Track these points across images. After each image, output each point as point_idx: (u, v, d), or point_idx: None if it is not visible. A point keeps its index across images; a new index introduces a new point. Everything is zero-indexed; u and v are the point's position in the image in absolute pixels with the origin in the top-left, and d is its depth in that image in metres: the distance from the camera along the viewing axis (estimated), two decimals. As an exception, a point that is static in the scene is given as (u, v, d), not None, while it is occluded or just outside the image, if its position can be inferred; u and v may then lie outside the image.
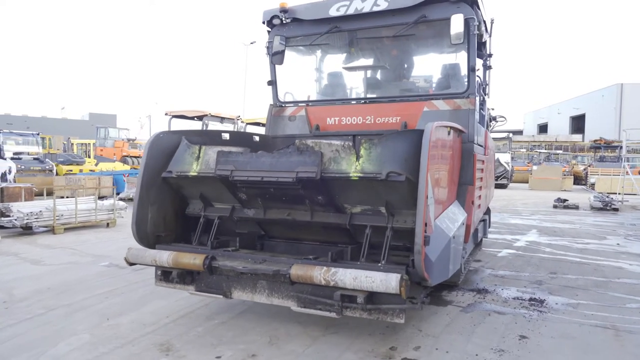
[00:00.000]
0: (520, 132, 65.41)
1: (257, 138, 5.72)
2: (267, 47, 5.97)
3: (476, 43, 5.15)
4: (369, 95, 6.07)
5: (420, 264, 3.05)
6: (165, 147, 4.31)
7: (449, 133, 4.16)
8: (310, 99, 6.22)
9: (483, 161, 5.72)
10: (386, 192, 3.38)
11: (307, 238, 4.20)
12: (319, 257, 3.62)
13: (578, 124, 59.74)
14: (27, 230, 8.94)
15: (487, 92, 6.57)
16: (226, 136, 5.22)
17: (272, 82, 6.14)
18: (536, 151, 43.25)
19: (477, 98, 5.32)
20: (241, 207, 4.15)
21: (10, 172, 18.50)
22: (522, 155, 43.31)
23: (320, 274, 3.19)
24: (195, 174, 4.00)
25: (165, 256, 3.74)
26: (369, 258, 3.51)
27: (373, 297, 3.24)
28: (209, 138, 4.82)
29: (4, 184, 9.91)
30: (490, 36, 6.25)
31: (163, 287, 4.02)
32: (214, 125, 21.34)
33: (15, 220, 8.57)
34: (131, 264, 3.92)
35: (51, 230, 8.88)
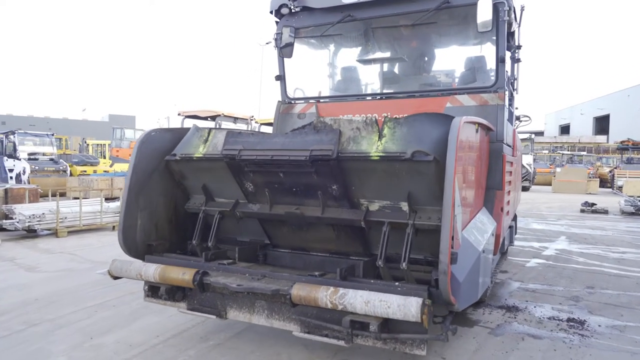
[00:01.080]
0: (541, 133, 63.85)
1: (263, 137, 5.26)
2: (275, 39, 5.50)
3: (506, 31, 4.60)
4: (385, 91, 5.55)
5: (445, 286, 2.54)
6: (158, 147, 3.87)
7: (477, 130, 3.64)
8: (322, 94, 5.74)
9: (512, 163, 5.17)
10: (410, 179, 2.94)
11: (316, 247, 3.72)
12: (326, 274, 3.13)
13: (602, 124, 58.01)
14: (31, 233, 8.66)
15: (515, 88, 6.01)
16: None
17: (281, 77, 5.67)
18: (559, 153, 42.02)
19: (506, 93, 4.77)
20: (246, 202, 3.70)
21: (24, 172, 18.49)
22: (544, 157, 42.11)
23: (326, 295, 2.70)
24: (200, 155, 3.60)
25: (151, 270, 3.29)
26: (384, 267, 3.02)
27: (389, 324, 2.74)
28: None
29: (7, 185, 9.65)
30: (519, 26, 5.68)
31: (152, 303, 3.58)
32: (227, 126, 21.08)
33: (17, 222, 8.28)
34: (115, 278, 3.48)
35: (55, 233, 8.57)
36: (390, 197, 3.13)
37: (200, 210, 3.85)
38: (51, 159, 19.93)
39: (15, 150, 19.30)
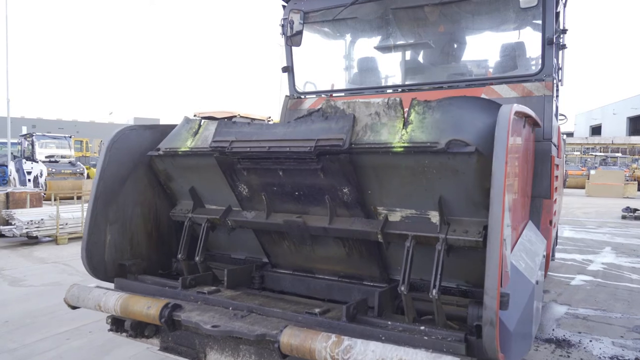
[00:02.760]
0: (570, 134, 61.65)
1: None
2: (282, 26, 4.83)
3: (554, 7, 3.82)
4: (408, 82, 4.81)
5: (493, 341, 1.80)
6: (135, 147, 3.23)
7: (524, 125, 2.89)
8: (335, 87, 5.03)
9: (558, 166, 4.36)
10: (442, 180, 2.24)
11: (322, 268, 3.02)
12: (329, 311, 2.41)
13: (636, 125, 55.53)
14: (32, 239, 8.20)
15: (560, 79, 5.19)
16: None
17: (288, 69, 4.99)
18: (591, 154, 40.24)
19: (555, 81, 3.98)
20: (239, 209, 3.05)
21: (41, 175, 18.37)
22: (575, 159, 40.39)
23: (325, 347, 1.99)
24: (187, 149, 2.97)
25: (112, 300, 2.63)
26: (408, 296, 2.31)
27: (412, 387, 2.01)
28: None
29: (9, 189, 9.24)
30: (565, 5, 4.86)
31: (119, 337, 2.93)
32: (243, 127, 20.62)
33: (15, 229, 7.83)
34: (73, 308, 2.85)
35: (55, 240, 8.08)
36: (416, 205, 2.42)
37: (187, 217, 3.21)
38: (69, 162, 19.78)
39: (33, 153, 19.21)
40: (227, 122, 2.84)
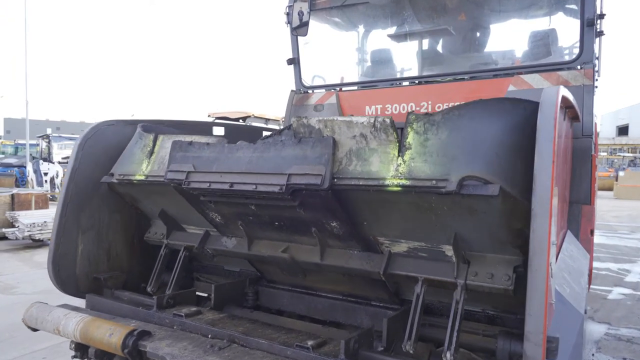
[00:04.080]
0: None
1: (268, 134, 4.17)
2: (287, 14, 4.42)
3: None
4: (425, 73, 4.34)
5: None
6: (112, 145, 2.85)
7: (564, 117, 2.41)
8: (344, 81, 4.59)
9: (596, 166, 3.84)
10: (457, 218, 1.75)
11: (322, 287, 2.59)
12: (325, 344, 1.97)
13: (666, 125, 53.54)
14: (36, 242, 7.96)
15: (598, 69, 4.64)
16: (220, 131, 3.74)
17: (294, 61, 4.58)
18: (618, 155, 38.84)
19: (595, 69, 3.48)
20: (218, 234, 2.65)
21: (57, 176, 18.36)
22: (602, 160, 39.03)
23: (314, 399, 1.55)
24: (142, 177, 2.53)
25: (72, 324, 2.22)
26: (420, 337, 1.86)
27: None
28: (188, 131, 3.33)
29: (14, 190, 9.04)
30: (603, -13, 4.33)
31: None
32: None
33: (18, 231, 7.60)
34: (34, 330, 2.47)
35: (58, 243, 7.83)
36: (425, 237, 1.94)
37: (163, 244, 2.80)
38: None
39: (49, 154, 19.24)
40: (182, 144, 2.32)
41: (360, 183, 1.79)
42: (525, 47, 3.93)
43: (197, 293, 2.86)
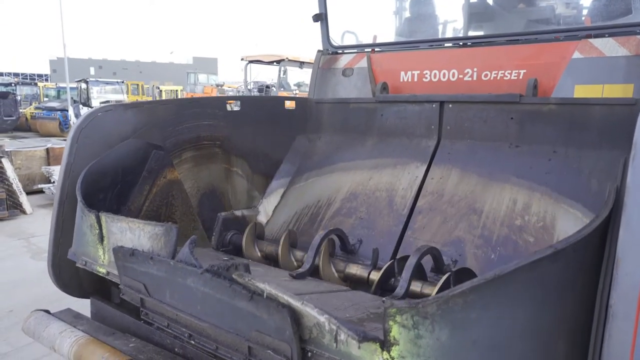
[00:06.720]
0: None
1: (291, 105, 3.77)
2: (313, -39, 3.86)
3: None
4: (472, 33, 3.74)
5: None
6: (111, 134, 2.57)
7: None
8: (377, 41, 4.05)
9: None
10: None
11: None
12: None
13: None
14: (73, 196, 8.07)
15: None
16: (235, 106, 3.38)
17: (321, 16, 4.05)
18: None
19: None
20: None
21: (97, 121, 18.69)
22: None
23: None
24: (103, 271, 2.15)
25: (66, 344, 2.06)
26: None
27: None
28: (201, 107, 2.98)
29: (49, 145, 9.12)
30: None
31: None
32: (292, 71, 19.66)
33: (54, 187, 7.69)
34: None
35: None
36: None
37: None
38: (123, 107, 19.98)
39: (88, 98, 19.50)
40: (124, 252, 1.91)
41: None
42: (596, 1, 3.26)
43: None
